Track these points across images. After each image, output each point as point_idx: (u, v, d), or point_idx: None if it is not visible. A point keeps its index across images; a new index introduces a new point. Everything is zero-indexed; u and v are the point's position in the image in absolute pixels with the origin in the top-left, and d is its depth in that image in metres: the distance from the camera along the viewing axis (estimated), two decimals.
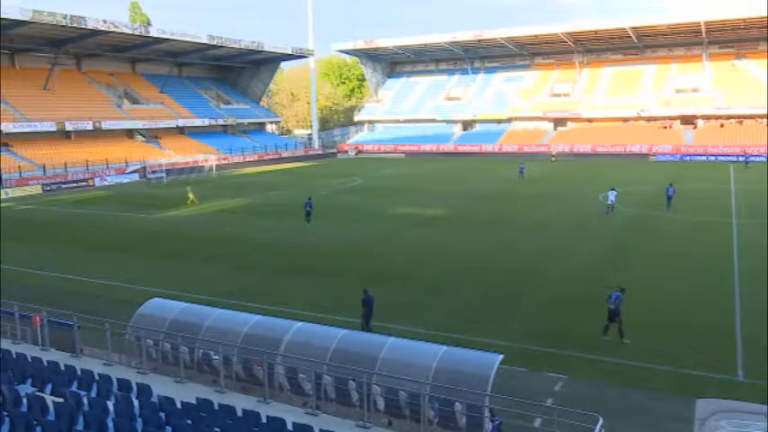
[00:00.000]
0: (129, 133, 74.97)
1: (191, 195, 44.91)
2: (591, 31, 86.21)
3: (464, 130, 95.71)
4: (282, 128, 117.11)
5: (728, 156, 70.45)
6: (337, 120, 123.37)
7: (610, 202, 37.59)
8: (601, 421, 9.28)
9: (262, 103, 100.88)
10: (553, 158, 76.39)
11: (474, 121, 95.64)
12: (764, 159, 67.57)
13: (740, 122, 79.08)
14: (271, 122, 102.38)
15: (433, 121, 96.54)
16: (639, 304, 20.05)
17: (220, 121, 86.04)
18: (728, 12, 76.95)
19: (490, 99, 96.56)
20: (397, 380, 11.44)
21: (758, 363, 15.34)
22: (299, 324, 13.83)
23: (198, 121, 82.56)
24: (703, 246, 28.36)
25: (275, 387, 12.57)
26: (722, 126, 79.46)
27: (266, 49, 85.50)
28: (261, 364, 12.39)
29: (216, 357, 13.06)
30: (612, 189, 38.77)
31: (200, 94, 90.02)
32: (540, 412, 11.87)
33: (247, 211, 41.61)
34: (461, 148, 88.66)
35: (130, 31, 68.38)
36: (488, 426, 10.72)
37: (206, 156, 73.61)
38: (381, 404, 11.59)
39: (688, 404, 12.50)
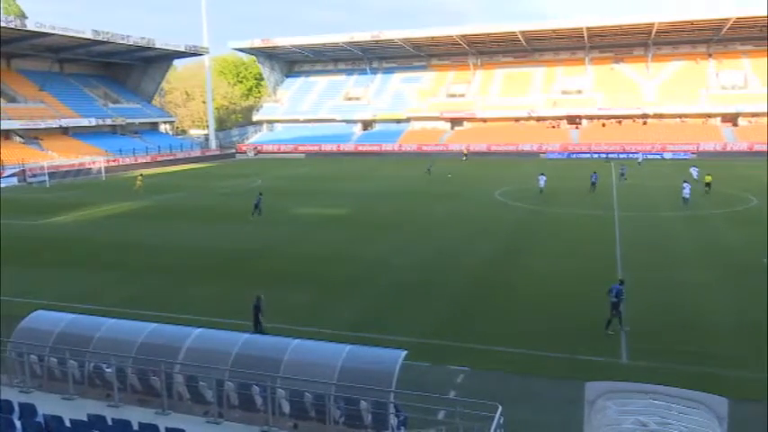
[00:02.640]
0: (6, 134, 69.26)
1: (138, 181, 50.17)
2: (483, 35, 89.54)
3: (364, 129, 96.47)
4: (177, 128, 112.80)
5: (609, 153, 75.53)
6: (235, 120, 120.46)
7: (540, 186, 44.07)
8: (500, 409, 9.64)
9: (154, 103, 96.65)
10: (464, 158, 78.32)
11: (373, 121, 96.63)
12: (620, 156, 73.02)
13: (619, 122, 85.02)
14: (164, 122, 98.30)
15: (333, 120, 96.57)
16: (533, 295, 21.08)
17: (109, 121, 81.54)
18: (608, 19, 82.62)
19: (389, 99, 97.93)
20: (302, 382, 11.34)
21: (639, 346, 16.60)
22: (199, 330, 13.37)
23: (84, 121, 77.69)
24: (589, 237, 30.20)
25: (174, 397, 12.08)
26: (603, 126, 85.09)
27: (158, 45, 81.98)
28: (158, 374, 11.87)
29: (108, 370, 12.36)
30: (542, 174, 45.04)
31: (85, 92, 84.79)
32: (443, 405, 12.17)
33: (141, 215, 39.73)
34: (362, 148, 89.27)
35: (4, 24, 63.23)
36: (393, 421, 10.85)
37: (93, 158, 69.46)
38: (287, 407, 11.44)
39: (579, 388, 13.29)
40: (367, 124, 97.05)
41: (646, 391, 9.57)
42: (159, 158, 78.78)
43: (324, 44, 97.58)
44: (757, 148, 72.08)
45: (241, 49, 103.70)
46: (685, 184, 39.78)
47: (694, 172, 49.66)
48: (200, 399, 12.06)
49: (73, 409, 11.20)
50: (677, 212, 36.22)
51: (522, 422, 11.78)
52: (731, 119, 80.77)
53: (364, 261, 26.52)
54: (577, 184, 49.59)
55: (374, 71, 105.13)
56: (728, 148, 73.78)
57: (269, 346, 12.94)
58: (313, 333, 16.88)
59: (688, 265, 24.80)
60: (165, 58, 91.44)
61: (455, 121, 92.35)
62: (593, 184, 46.05)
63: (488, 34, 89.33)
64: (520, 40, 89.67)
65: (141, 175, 55.34)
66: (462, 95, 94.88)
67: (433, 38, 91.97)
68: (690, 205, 37.93)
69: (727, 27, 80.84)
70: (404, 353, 11.77)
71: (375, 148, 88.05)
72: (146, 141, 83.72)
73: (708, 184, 44.08)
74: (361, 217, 37.58)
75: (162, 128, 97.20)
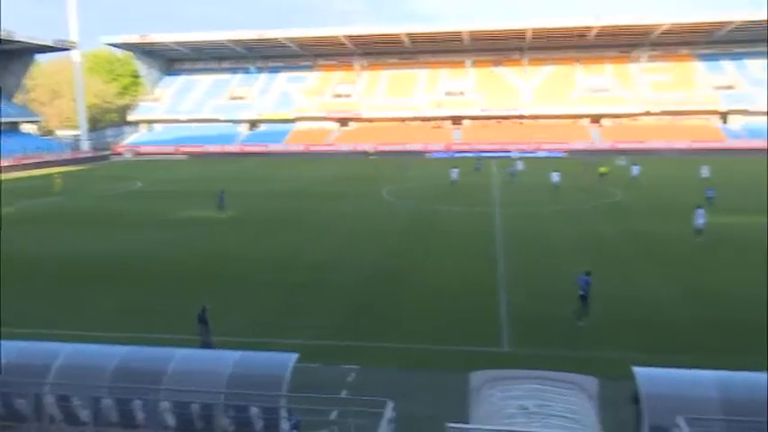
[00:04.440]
0: None
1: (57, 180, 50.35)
2: (369, 36, 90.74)
3: (250, 129, 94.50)
4: (43, 128, 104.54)
5: (491, 152, 79.00)
6: (110, 119, 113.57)
7: (453, 178, 49.06)
8: (391, 404, 9.81)
9: (15, 100, 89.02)
10: (371, 157, 78.35)
11: (259, 121, 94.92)
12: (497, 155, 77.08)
13: (499, 122, 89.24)
14: (28, 122, 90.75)
15: (217, 120, 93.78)
16: (421, 291, 21.65)
17: None
18: (487, 24, 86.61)
19: (275, 99, 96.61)
20: (188, 392, 10.92)
21: (519, 334, 17.54)
22: (71, 346, 12.48)
23: None
24: (473, 233, 31.44)
25: (45, 420, 11.21)
26: (485, 126, 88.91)
27: (18, 38, 75.64)
28: (25, 397, 10.96)
29: None
30: (455, 167, 50.03)
31: None
32: (335, 404, 12.20)
33: (13, 221, 36.41)
34: (248, 149, 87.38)
35: None
36: (285, 426, 10.73)
37: None
38: (171, 420, 10.97)
39: (464, 377, 13.83)
40: (253, 124, 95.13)
41: (526, 376, 10.14)
42: (25, 161, 72.69)
43: (206, 41, 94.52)
44: (619, 146, 78.44)
45: (115, 45, 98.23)
46: (554, 174, 47.08)
47: (555, 176, 51.37)
48: (75, 420, 11.28)
49: None
50: (553, 207, 38.59)
51: (412, 415, 12.06)
52: (597, 119, 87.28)
53: (253, 262, 25.98)
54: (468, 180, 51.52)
55: (259, 70, 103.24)
56: (595, 147, 79.66)
57: (151, 357, 12.32)
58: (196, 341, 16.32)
59: (564, 255, 26.46)
60: (26, 53, 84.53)
61: (342, 122, 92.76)
62: (454, 180, 49.59)
63: (374, 35, 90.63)
64: (405, 42, 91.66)
65: (59, 174, 56.02)
66: (349, 96, 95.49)
67: (318, 38, 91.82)
68: (562, 199, 40.64)
69: (592, 35, 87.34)
70: (295, 356, 11.66)
71: (261, 149, 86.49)
72: (6, 142, 76.83)
73: (602, 174, 51.43)
74: (248, 218, 36.79)
75: (25, 128, 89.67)
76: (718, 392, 9.69)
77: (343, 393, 13.58)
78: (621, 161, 62.62)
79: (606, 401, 10.17)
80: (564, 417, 8.85)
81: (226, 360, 11.71)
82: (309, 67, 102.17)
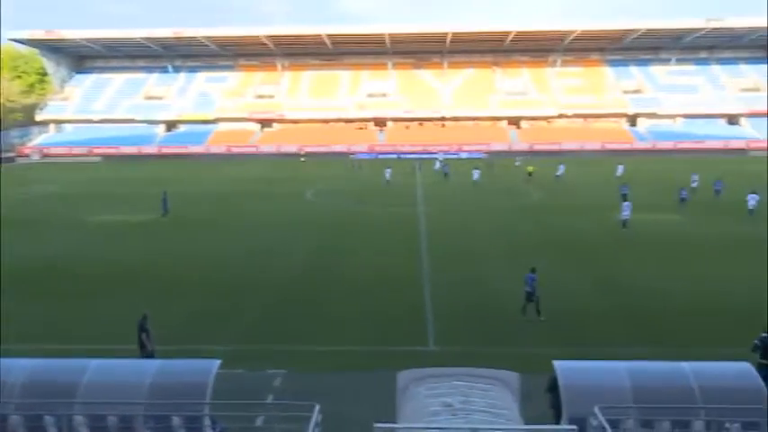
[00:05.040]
0: None
1: None
2: (291, 36, 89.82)
3: (168, 131, 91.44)
4: None
5: (414, 154, 79.94)
6: (14, 119, 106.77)
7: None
8: (317, 408, 9.75)
9: None
10: (302, 159, 77.33)
11: (178, 122, 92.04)
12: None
13: (421, 124, 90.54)
14: None
15: (133, 121, 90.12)
16: (344, 291, 21.66)
17: None
18: (407, 27, 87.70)
19: (194, 99, 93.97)
20: (105, 405, 10.43)
21: (445, 332, 17.87)
22: None
23: None
24: (397, 231, 31.75)
25: None
26: (407, 128, 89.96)
27: None
28: None
29: None
30: (388, 167, 52.35)
31: None
32: (260, 410, 12.01)
33: None
34: (166, 150, 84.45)
35: None
36: None
37: None
38: None
39: (392, 377, 13.94)
40: (171, 125, 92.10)
41: (451, 374, 10.35)
42: None
43: (119, 39, 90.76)
44: (536, 147, 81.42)
45: (19, 41, 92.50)
46: (475, 171, 51.05)
47: (475, 173, 52.93)
48: None
49: None
50: (474, 206, 39.55)
51: (340, 418, 12.04)
52: (515, 122, 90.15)
53: (172, 267, 25.17)
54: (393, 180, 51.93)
55: (177, 69, 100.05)
56: (513, 148, 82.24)
57: (63, 369, 11.68)
58: (122, 351, 15.61)
59: (484, 253, 27.15)
60: None
61: (265, 123, 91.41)
62: (388, 180, 51.21)
63: (295, 36, 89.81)
64: (326, 43, 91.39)
65: None
66: (271, 96, 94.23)
67: (239, 37, 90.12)
68: (485, 197, 41.80)
69: (509, 39, 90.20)
70: (218, 362, 11.39)
71: (181, 151, 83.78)
72: None
73: (530, 173, 53.96)
74: (166, 221, 35.60)
75: None
76: (631, 382, 10.24)
77: (270, 398, 13.38)
78: (517, 162, 65.16)
79: (527, 395, 10.52)
80: (487, 412, 9.09)
81: (146, 369, 11.30)
82: (230, 67, 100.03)
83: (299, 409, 9.98)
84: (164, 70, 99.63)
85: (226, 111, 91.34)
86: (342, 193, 46.71)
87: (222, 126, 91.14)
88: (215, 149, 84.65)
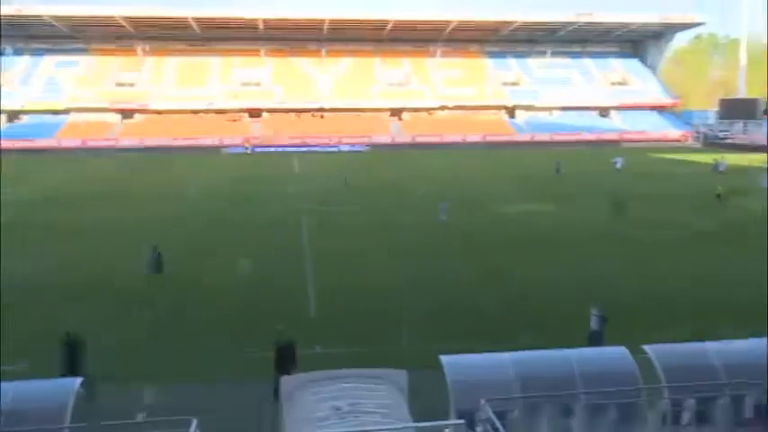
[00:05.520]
0: None
1: None
2: (151, 18, 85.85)
3: (9, 122, 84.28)
4: None
5: (292, 147, 79.35)
6: None
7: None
8: (195, 422, 9.48)
9: None
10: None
11: (21, 112, 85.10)
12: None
13: (298, 116, 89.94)
14: None
15: None
16: (215, 292, 21.18)
17: None
18: (281, 12, 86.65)
19: (41, 86, 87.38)
20: None
21: (330, 333, 17.97)
22: None
23: None
24: (274, 232, 31.44)
25: None
26: (285, 119, 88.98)
27: None
28: None
29: None
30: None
31: None
32: (131, 431, 11.47)
33: None
34: (6, 144, 77.56)
35: None
36: None
37: None
38: None
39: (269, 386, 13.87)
40: (12, 116, 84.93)
41: (337, 376, 10.44)
42: None
43: None
44: (418, 140, 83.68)
45: None
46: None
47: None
48: None
49: None
50: (351, 206, 39.97)
51: (221, 430, 11.77)
52: (397, 113, 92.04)
53: (28, 279, 23.27)
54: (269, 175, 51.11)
55: (18, 52, 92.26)
56: (396, 141, 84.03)
57: None
58: None
59: (371, 251, 27.55)
60: None
61: (125, 113, 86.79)
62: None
63: (157, 18, 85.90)
64: (193, 27, 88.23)
65: None
66: (132, 84, 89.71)
67: (90, 17, 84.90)
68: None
69: (388, 28, 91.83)
70: (78, 380, 10.77)
71: (26, 144, 77.52)
72: None
73: None
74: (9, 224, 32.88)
75: None
76: (516, 372, 10.87)
77: (140, 417, 12.79)
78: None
79: (415, 391, 10.84)
80: (376, 412, 9.28)
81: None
82: (83, 51, 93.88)
83: (175, 425, 9.65)
84: (2, 53, 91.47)
85: (78, 100, 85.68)
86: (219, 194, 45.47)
87: (75, 117, 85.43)
88: (68, 143, 79.16)
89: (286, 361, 14.08)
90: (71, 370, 14.00)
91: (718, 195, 38.97)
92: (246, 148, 78.12)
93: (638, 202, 37.49)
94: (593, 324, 16.44)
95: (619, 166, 56.22)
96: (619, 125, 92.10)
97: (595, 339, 15.95)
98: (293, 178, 52.92)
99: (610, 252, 27.14)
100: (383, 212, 36.62)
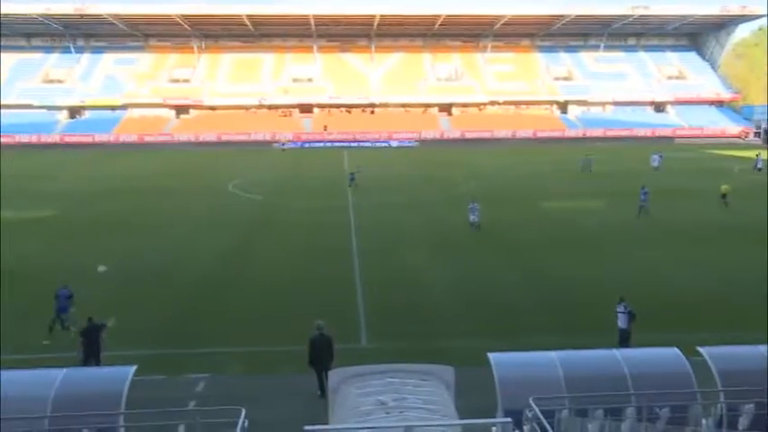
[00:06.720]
0: None
1: None
2: (207, 16, 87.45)
3: (71, 117, 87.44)
4: None
5: (342, 142, 79.78)
6: None
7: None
8: (243, 413, 9.62)
9: None
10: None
11: (83, 108, 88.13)
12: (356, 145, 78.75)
13: (349, 111, 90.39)
14: None
15: (30, 107, 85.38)
16: (266, 289, 21.43)
17: None
18: (332, 8, 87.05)
19: (100, 83, 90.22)
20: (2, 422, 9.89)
21: (377, 329, 18.00)
22: None
23: None
24: (323, 226, 31.64)
25: None
26: (330, 114, 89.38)
27: None
28: None
29: None
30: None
31: None
32: (182, 418, 11.72)
33: None
34: (70, 139, 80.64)
35: None
36: None
37: None
38: None
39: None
40: (75, 111, 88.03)
41: (383, 371, 10.43)
42: None
43: (9, 15, 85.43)
44: (468, 135, 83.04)
45: None
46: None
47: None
48: None
49: None
50: (399, 199, 39.93)
51: (268, 422, 11.93)
52: (446, 108, 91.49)
53: (75, 269, 24.07)
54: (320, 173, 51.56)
55: (80, 50, 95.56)
56: (445, 136, 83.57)
57: None
58: (18, 361, 14.84)
59: (414, 247, 27.45)
60: None
61: (180, 109, 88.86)
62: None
63: (212, 16, 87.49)
64: (247, 25, 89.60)
65: None
66: (187, 81, 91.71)
67: (148, 15, 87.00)
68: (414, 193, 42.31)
69: (438, 23, 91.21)
70: (133, 368, 11.05)
71: (87, 140, 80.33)
72: None
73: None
74: (74, 218, 34.06)
75: None
76: (563, 371, 10.67)
77: (192, 405, 13.08)
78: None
79: (463, 388, 10.74)
80: (421, 408, 9.22)
81: (49, 380, 10.77)
82: (140, 48, 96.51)
83: (224, 414, 9.82)
84: (65, 50, 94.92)
85: (136, 96, 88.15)
86: (266, 185, 46.04)
87: (133, 112, 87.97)
88: (125, 138, 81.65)
89: (321, 355, 14.08)
90: (93, 353, 14.69)
91: (723, 195, 35.40)
92: (283, 144, 76.59)
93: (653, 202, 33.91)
94: (621, 322, 15.51)
95: (656, 164, 52.80)
96: (675, 120, 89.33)
97: (624, 339, 15.23)
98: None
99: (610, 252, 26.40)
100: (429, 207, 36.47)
